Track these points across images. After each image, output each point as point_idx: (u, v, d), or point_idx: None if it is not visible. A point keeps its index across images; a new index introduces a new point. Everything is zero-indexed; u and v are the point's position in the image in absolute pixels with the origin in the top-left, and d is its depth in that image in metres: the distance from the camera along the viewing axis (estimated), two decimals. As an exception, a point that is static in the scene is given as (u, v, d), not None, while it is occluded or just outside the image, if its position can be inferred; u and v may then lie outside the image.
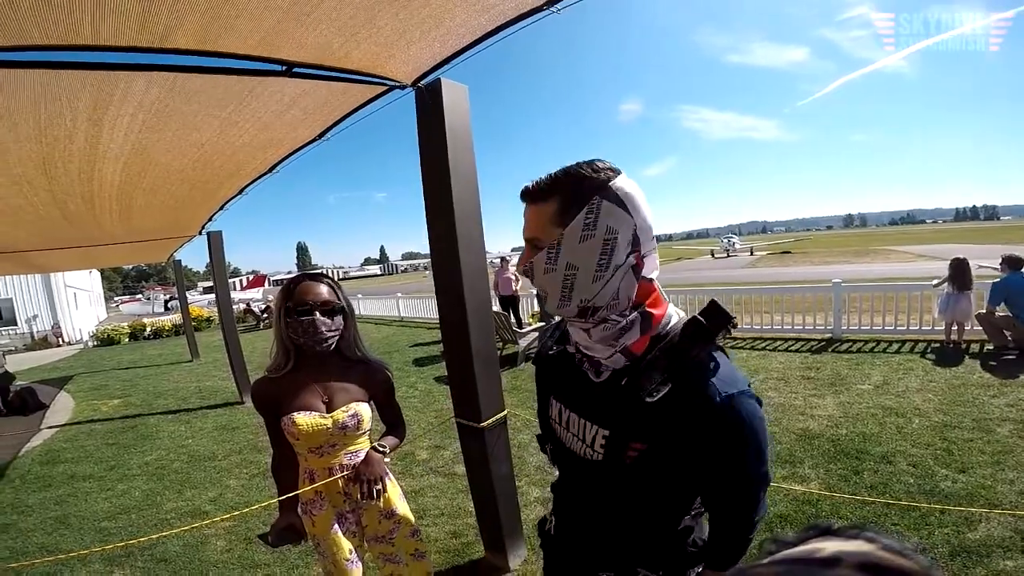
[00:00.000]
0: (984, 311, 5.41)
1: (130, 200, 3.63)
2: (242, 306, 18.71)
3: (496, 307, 8.87)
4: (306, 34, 1.54)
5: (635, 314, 0.86)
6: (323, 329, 1.53)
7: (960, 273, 5.61)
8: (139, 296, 52.20)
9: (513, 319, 9.01)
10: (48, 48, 1.36)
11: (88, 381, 9.52)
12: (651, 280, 0.88)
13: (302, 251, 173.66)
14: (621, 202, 0.81)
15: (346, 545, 1.63)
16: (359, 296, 16.90)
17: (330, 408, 1.59)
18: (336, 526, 1.63)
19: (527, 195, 0.86)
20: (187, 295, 11.86)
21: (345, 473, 1.63)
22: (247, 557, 2.81)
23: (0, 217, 3.57)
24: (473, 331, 2.23)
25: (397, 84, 2.07)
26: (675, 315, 0.91)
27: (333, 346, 1.60)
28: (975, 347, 5.56)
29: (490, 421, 2.30)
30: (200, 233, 6.14)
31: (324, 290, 1.57)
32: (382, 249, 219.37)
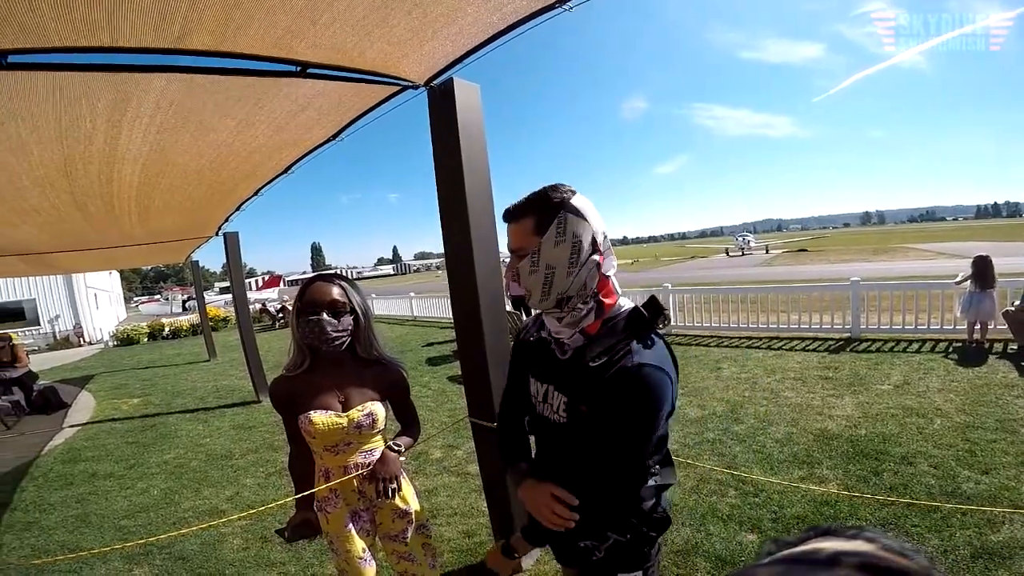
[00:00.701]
0: (1012, 308, 5.27)
1: (148, 201, 3.69)
2: (258, 306, 18.95)
3: (509, 307, 8.85)
4: (320, 34, 1.54)
5: (592, 303, 1.09)
6: (328, 329, 1.54)
7: (983, 271, 5.48)
8: (158, 296, 53.19)
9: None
10: (67, 50, 1.39)
11: (109, 380, 9.72)
12: (608, 276, 1.10)
13: (316, 251, 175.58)
14: (580, 213, 1.05)
15: (359, 543, 1.64)
16: (372, 296, 17.02)
17: (346, 407, 1.60)
18: (350, 524, 1.64)
19: (509, 216, 1.09)
20: (204, 295, 12.05)
21: (360, 472, 1.64)
22: (263, 555, 2.84)
23: (24, 218, 3.65)
24: (487, 330, 2.22)
25: (410, 84, 2.07)
26: (626, 305, 1.13)
27: (343, 346, 1.61)
28: (998, 346, 5.42)
29: (504, 421, 2.29)
30: (217, 234, 6.23)
31: (334, 291, 1.58)
32: (395, 249, 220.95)
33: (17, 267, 6.59)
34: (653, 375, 1.00)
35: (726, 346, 6.82)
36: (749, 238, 42.15)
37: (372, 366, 1.69)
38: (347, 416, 1.59)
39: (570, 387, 1.11)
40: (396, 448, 1.69)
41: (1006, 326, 5.43)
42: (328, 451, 1.61)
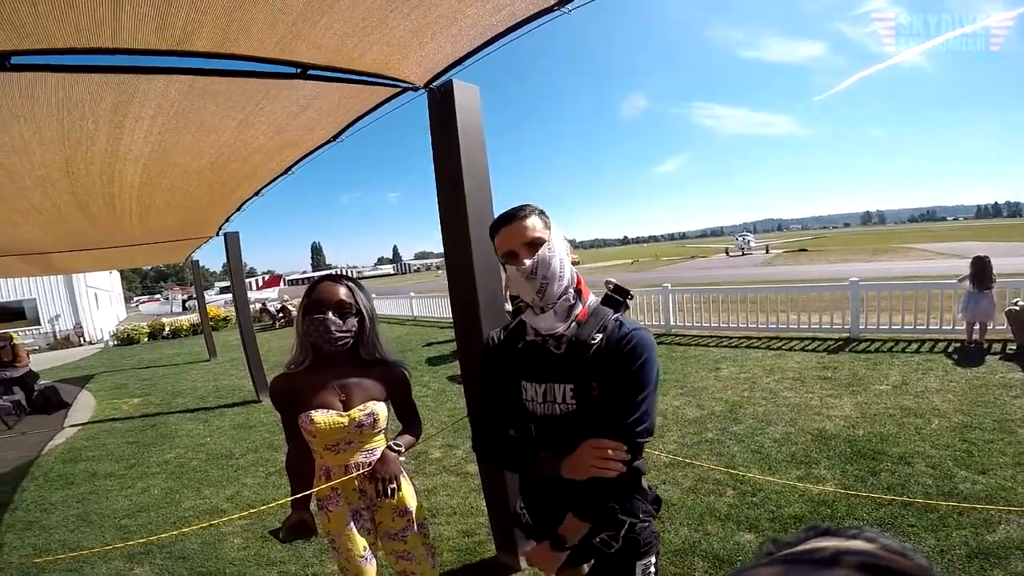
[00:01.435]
0: (1016, 308, 5.28)
1: (149, 201, 3.70)
2: (258, 306, 18.95)
3: (508, 307, 8.85)
4: (320, 36, 1.56)
5: (576, 293, 1.25)
6: (333, 329, 1.55)
7: (981, 272, 5.50)
8: (158, 296, 53.22)
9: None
10: (70, 52, 1.40)
11: (109, 380, 9.73)
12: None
13: (317, 251, 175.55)
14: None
15: (361, 542, 1.65)
16: (373, 296, 16.99)
17: (347, 407, 1.61)
18: (351, 523, 1.65)
19: (517, 216, 1.21)
20: (205, 295, 12.06)
21: (360, 471, 1.64)
22: (263, 555, 2.85)
23: (26, 218, 3.67)
24: (486, 329, 2.23)
25: (410, 86, 2.08)
26: (593, 296, 1.31)
27: (346, 347, 1.62)
28: (997, 347, 5.42)
29: (504, 420, 2.30)
30: (217, 234, 6.24)
31: (341, 291, 1.60)
32: (395, 249, 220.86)
33: (18, 267, 6.60)
34: (644, 334, 1.20)
35: (725, 346, 6.82)
36: (749, 238, 42.13)
37: (374, 366, 1.70)
38: (348, 415, 1.59)
39: (575, 374, 1.20)
40: (396, 448, 1.69)
41: (1005, 326, 5.44)
42: (329, 450, 1.62)
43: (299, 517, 1.66)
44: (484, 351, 1.41)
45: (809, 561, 0.34)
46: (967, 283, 5.61)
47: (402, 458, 1.72)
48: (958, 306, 5.80)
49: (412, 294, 14.87)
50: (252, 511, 3.21)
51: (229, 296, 11.64)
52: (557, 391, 1.23)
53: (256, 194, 4.17)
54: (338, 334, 1.57)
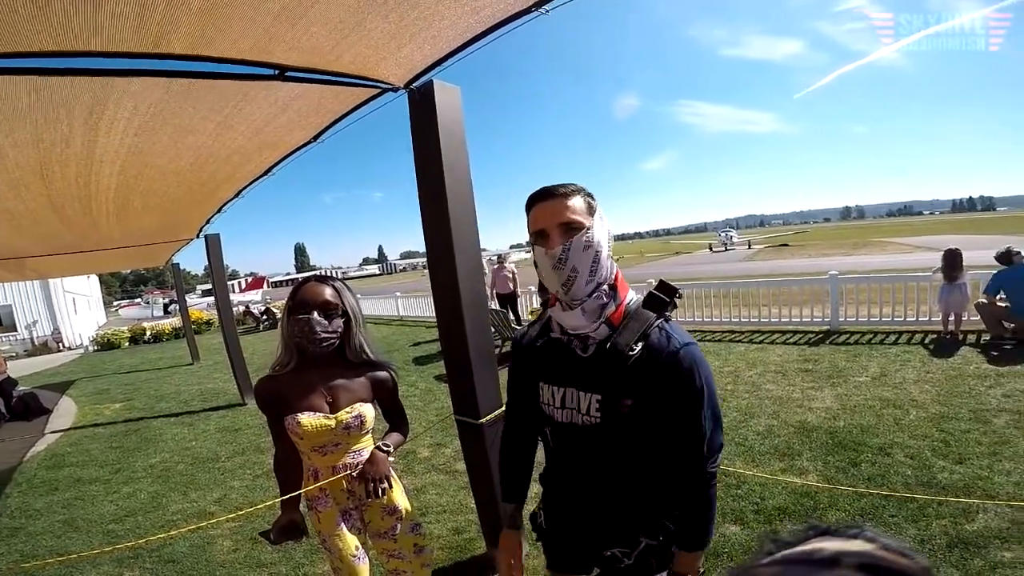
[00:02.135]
0: (983, 301, 5.44)
1: (127, 203, 3.64)
2: (241, 308, 18.71)
3: (494, 305, 8.87)
4: (297, 38, 1.56)
5: (610, 290, 1.08)
6: (318, 330, 1.54)
7: (952, 263, 5.66)
8: (138, 300, 52.14)
9: (512, 316, 9.02)
10: (43, 55, 1.38)
11: (90, 385, 9.54)
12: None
13: (300, 252, 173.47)
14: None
15: (352, 541, 1.65)
16: (359, 296, 16.87)
17: (334, 408, 1.61)
18: (342, 523, 1.65)
19: (559, 193, 1.04)
20: (186, 298, 11.86)
21: (348, 472, 1.65)
22: (253, 557, 2.84)
23: (1, 221, 3.59)
24: (470, 328, 2.25)
25: (389, 87, 2.08)
26: (633, 293, 1.14)
27: (331, 348, 1.61)
28: (972, 337, 5.57)
29: (489, 417, 2.33)
30: (198, 236, 6.16)
31: (326, 292, 1.59)
32: (380, 249, 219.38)
33: (-8, 272, 6.44)
34: (696, 353, 1.05)
35: (709, 340, 6.93)
36: (732, 234, 42.64)
37: (360, 367, 1.70)
38: (335, 418, 1.59)
39: (604, 385, 1.07)
40: (385, 448, 1.70)
41: (978, 317, 5.59)
42: (316, 452, 1.62)
43: (289, 518, 1.65)
44: (512, 346, 1.34)
45: (809, 562, 0.34)
46: (940, 275, 5.76)
47: (391, 458, 1.72)
48: (934, 298, 5.94)
49: (398, 294, 14.79)
50: (240, 513, 3.20)
51: (211, 299, 11.48)
52: (581, 399, 1.10)
53: (236, 195, 4.12)
54: (323, 335, 1.56)
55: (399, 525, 1.75)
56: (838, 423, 3.70)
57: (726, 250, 36.40)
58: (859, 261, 18.75)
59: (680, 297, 1.11)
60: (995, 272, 5.43)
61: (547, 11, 1.74)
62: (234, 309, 10.02)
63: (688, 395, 1.03)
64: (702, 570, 1.19)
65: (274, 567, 2.73)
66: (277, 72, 1.76)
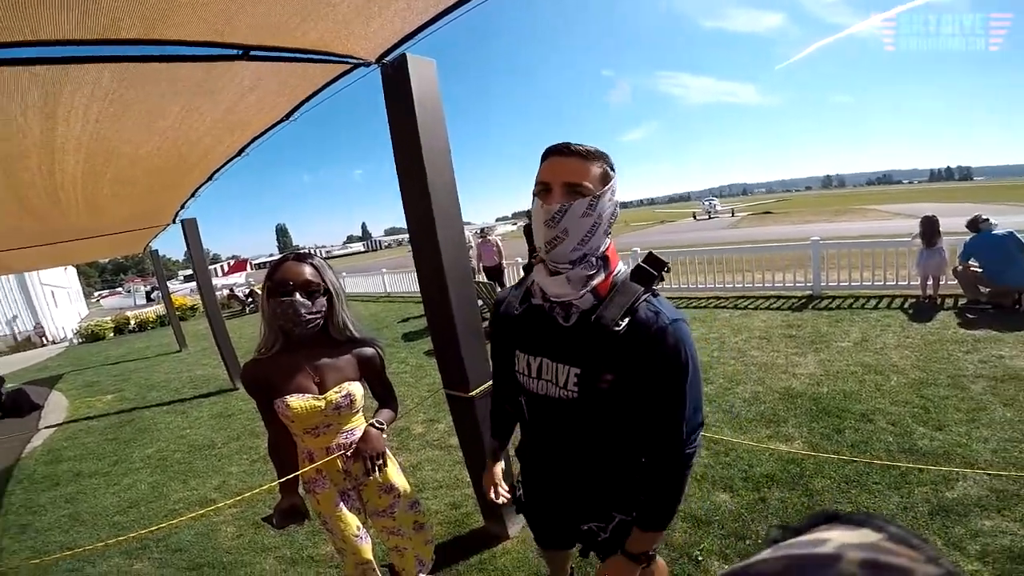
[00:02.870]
0: (960, 267, 5.56)
1: (96, 192, 3.51)
2: (225, 292, 18.45)
3: (482, 277, 8.84)
4: (259, 17, 1.48)
5: (599, 262, 1.05)
6: (302, 311, 1.51)
7: (929, 229, 5.77)
8: (119, 289, 51.09)
9: (499, 288, 9.03)
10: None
11: (79, 378, 9.43)
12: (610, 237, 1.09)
13: (282, 233, 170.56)
14: (617, 181, 1.03)
15: (353, 521, 1.68)
16: (344, 274, 16.74)
17: (322, 389, 1.60)
18: (341, 503, 1.67)
19: (576, 153, 0.98)
20: (168, 284, 11.65)
21: (342, 452, 1.65)
22: (257, 541, 2.89)
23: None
24: (455, 302, 2.24)
25: (361, 62, 2.00)
26: (623, 265, 1.10)
27: (317, 328, 1.59)
28: (950, 301, 5.67)
29: (479, 390, 2.34)
30: (174, 221, 6.00)
31: (306, 271, 1.54)
32: (364, 226, 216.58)
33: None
34: (684, 329, 1.02)
35: (694, 307, 6.99)
36: (715, 202, 42.65)
37: (345, 345, 1.67)
38: (324, 398, 1.58)
39: (585, 358, 1.04)
40: (378, 425, 1.70)
41: (955, 283, 5.71)
42: (308, 433, 1.62)
43: (290, 502, 1.66)
44: (491, 312, 1.30)
45: (810, 558, 0.33)
46: (919, 240, 5.86)
47: (385, 435, 1.73)
48: (912, 263, 6.05)
49: (384, 270, 14.68)
50: (240, 498, 3.23)
51: (194, 284, 11.29)
52: (559, 372, 1.07)
53: (209, 179, 4.00)
54: (308, 316, 1.52)
55: (397, 503, 1.78)
56: (822, 389, 3.75)
57: (710, 218, 36.46)
58: (840, 228, 18.92)
59: (668, 271, 1.08)
60: (966, 240, 5.53)
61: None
62: (218, 293, 9.87)
63: (672, 372, 1.01)
64: (657, 547, 1.19)
65: (278, 550, 2.78)
66: (241, 52, 1.68)
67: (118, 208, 4.35)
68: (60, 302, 20.07)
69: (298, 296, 1.51)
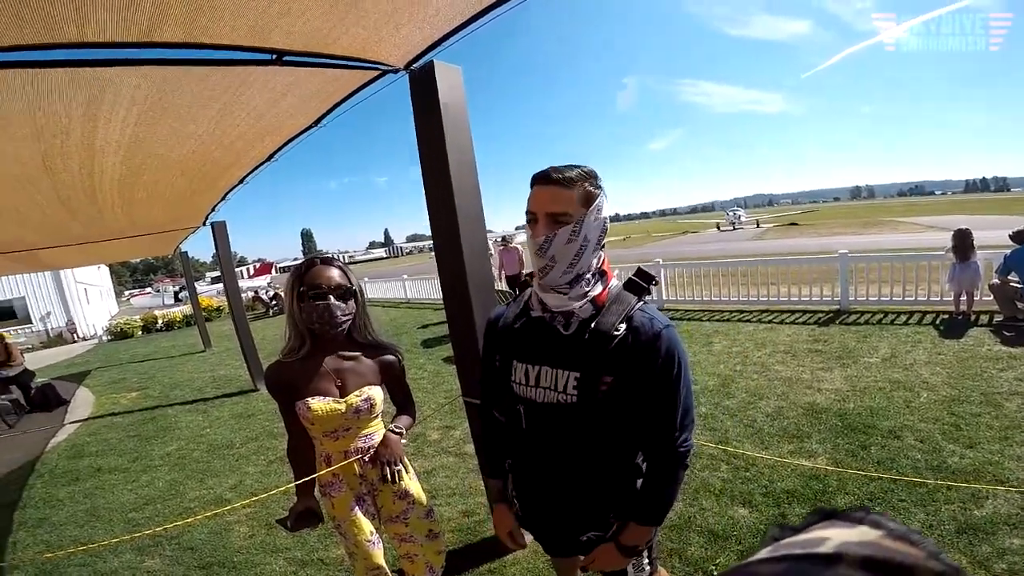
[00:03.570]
0: (997, 281, 5.33)
1: (132, 193, 3.64)
2: (250, 294, 18.86)
3: (502, 286, 8.78)
4: (293, 21, 1.51)
5: (596, 276, 1.13)
6: (338, 314, 1.55)
7: (963, 243, 5.54)
8: (149, 289, 52.71)
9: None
10: (31, 48, 1.35)
11: (106, 375, 9.71)
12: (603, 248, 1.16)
13: (307, 237, 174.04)
14: (605, 197, 1.09)
15: (367, 526, 1.67)
16: (366, 280, 16.96)
17: (343, 392, 1.61)
18: (356, 508, 1.66)
19: (558, 179, 1.03)
20: (196, 285, 11.96)
21: (359, 456, 1.65)
22: (269, 542, 2.90)
23: (7, 217, 3.60)
24: (476, 309, 2.24)
25: (390, 68, 2.04)
26: (616, 280, 1.18)
27: (346, 331, 1.62)
28: (984, 318, 5.45)
29: (497, 399, 2.32)
30: (204, 224, 6.16)
31: (336, 274, 1.58)
32: (386, 232, 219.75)
33: (2, 264, 6.51)
34: (675, 334, 1.10)
35: (717, 320, 6.88)
36: (740, 213, 42.07)
37: (367, 349, 1.69)
38: (345, 402, 1.59)
39: (583, 363, 1.09)
40: (398, 431, 1.70)
41: (991, 298, 5.48)
42: (327, 437, 1.63)
43: (305, 505, 1.67)
44: (486, 327, 1.35)
45: (809, 558, 0.32)
46: (952, 255, 5.65)
47: (403, 440, 1.73)
48: (945, 277, 5.82)
49: (405, 277, 14.82)
50: (255, 499, 3.25)
51: (221, 286, 11.55)
52: (558, 377, 1.12)
53: (240, 183, 4.10)
54: (343, 318, 1.57)
55: (411, 509, 1.77)
56: (848, 405, 3.65)
57: (734, 229, 35.95)
58: (869, 240, 18.43)
59: (656, 284, 1.17)
60: (1007, 253, 5.28)
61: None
62: (243, 295, 10.09)
63: (667, 373, 1.08)
64: (654, 546, 1.26)
65: (289, 552, 2.78)
66: (275, 57, 1.72)
67: (151, 210, 4.50)
68: (92, 300, 20.77)
69: (332, 299, 1.54)
